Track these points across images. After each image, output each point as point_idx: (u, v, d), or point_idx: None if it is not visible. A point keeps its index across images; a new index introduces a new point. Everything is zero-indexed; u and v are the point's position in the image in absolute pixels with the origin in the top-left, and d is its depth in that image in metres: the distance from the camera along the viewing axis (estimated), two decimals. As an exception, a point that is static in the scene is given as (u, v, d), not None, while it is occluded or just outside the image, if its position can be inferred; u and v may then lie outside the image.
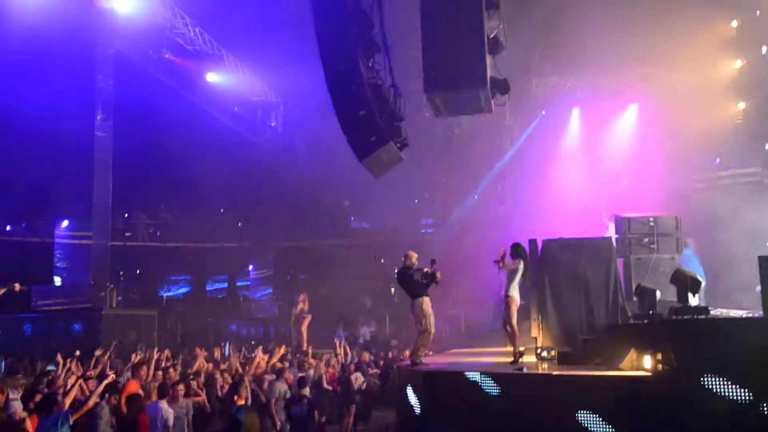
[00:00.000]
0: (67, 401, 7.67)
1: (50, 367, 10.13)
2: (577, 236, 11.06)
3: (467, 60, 9.46)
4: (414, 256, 10.60)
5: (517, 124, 23.86)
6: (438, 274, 10.29)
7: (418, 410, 9.21)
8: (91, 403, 7.69)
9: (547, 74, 22.44)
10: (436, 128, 23.34)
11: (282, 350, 14.00)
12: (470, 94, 9.83)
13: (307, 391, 11.97)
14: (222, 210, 31.63)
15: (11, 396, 8.70)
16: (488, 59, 9.68)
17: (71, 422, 7.52)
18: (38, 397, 8.05)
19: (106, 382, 8.22)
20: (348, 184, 24.50)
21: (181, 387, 10.03)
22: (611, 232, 12.17)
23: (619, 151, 21.79)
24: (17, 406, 8.17)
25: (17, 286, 9.04)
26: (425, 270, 10.39)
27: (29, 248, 24.48)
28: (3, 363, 13.31)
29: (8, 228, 25.27)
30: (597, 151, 22.23)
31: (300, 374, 12.88)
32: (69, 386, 8.20)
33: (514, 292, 9.60)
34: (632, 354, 8.06)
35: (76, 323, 21.25)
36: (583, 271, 9.46)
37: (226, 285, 34.84)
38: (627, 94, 22.06)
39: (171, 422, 9.33)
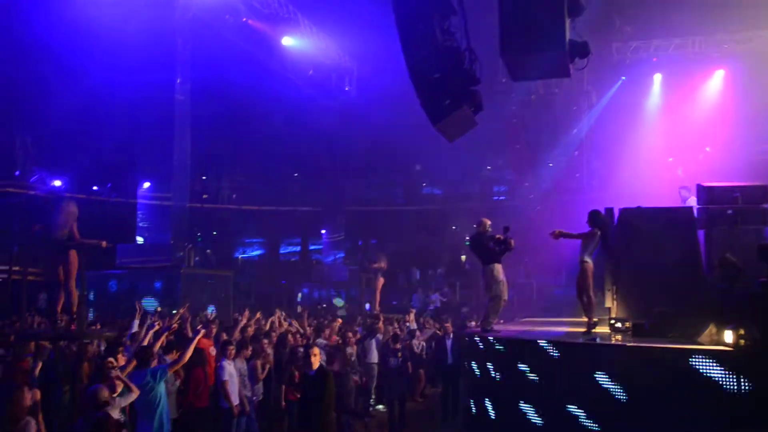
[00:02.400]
0: (155, 357, 7.94)
1: (135, 321, 10.54)
2: (656, 206, 10.70)
3: (545, 22, 9.18)
4: (487, 222, 10.51)
5: (596, 89, 23.15)
6: (511, 241, 10.19)
7: (486, 377, 9.18)
8: (186, 358, 7.93)
9: (628, 38, 21.64)
10: (512, 93, 22.90)
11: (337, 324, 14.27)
12: (548, 58, 9.55)
13: (399, 345, 12.71)
14: (296, 174, 32.03)
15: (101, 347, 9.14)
16: (567, 22, 9.38)
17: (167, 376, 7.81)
18: (120, 350, 8.38)
19: (198, 337, 8.45)
20: (420, 150, 24.38)
21: (249, 348, 10.33)
22: (692, 202, 11.76)
23: (702, 119, 20.95)
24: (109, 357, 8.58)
25: (104, 243, 9.38)
26: (498, 237, 10.30)
27: (114, 208, 25.39)
28: (91, 314, 13.92)
29: (95, 188, 26.24)
30: (678, 119, 21.41)
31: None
32: (152, 340, 8.51)
33: (589, 259, 9.39)
34: (711, 328, 7.80)
35: (156, 281, 21.99)
36: (661, 242, 9.16)
37: (299, 248, 35.43)
38: (713, 59, 21.10)
39: (235, 380, 9.62)
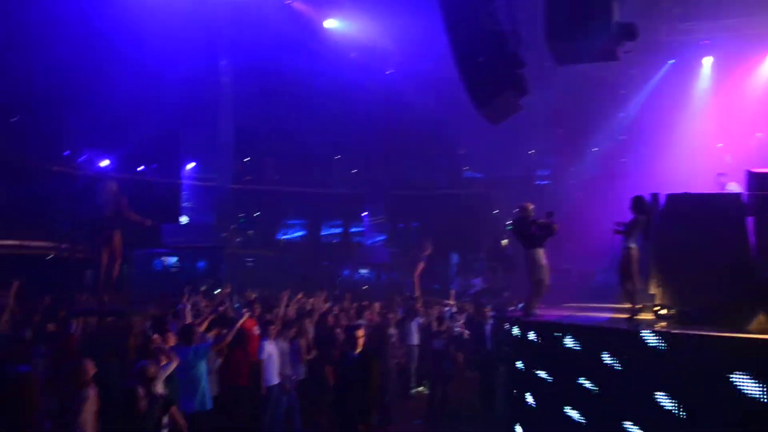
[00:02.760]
0: (198, 335, 8.10)
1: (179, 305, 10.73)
2: (703, 192, 10.47)
3: (592, 4, 9.03)
4: (530, 207, 10.42)
5: (643, 73, 22.64)
6: (554, 226, 10.09)
7: (526, 363, 9.14)
8: (228, 338, 8.09)
9: (678, 20, 21.07)
10: (557, 77, 22.56)
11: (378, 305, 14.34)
12: (594, 41, 9.39)
13: (444, 327, 12.98)
14: (337, 156, 32.10)
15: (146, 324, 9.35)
16: (614, 4, 9.20)
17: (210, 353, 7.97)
18: (168, 329, 8.56)
19: (242, 321, 8.63)
20: (463, 133, 24.24)
21: (293, 328, 10.45)
22: (732, 188, 11.49)
23: (755, 104, 20.35)
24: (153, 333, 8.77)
25: (148, 222, 9.56)
26: (541, 221, 10.21)
27: (158, 188, 25.81)
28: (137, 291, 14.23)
29: (140, 169, 26.69)
30: (729, 104, 20.83)
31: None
32: (196, 319, 8.67)
33: (634, 245, 9.25)
34: (761, 317, 7.63)
35: (200, 260, 22.38)
36: (709, 228, 8.95)
37: (340, 230, 35.57)
38: (768, 41, 20.43)
39: (275, 359, 9.74)
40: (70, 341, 8.34)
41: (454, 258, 27.00)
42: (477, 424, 11.37)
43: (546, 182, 29.09)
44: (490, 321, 12.85)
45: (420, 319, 14.02)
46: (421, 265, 18.63)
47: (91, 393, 5.78)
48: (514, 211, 10.85)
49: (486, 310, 13.12)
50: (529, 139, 27.08)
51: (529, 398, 8.97)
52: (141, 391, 5.77)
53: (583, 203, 20.45)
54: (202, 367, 7.82)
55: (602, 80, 22.62)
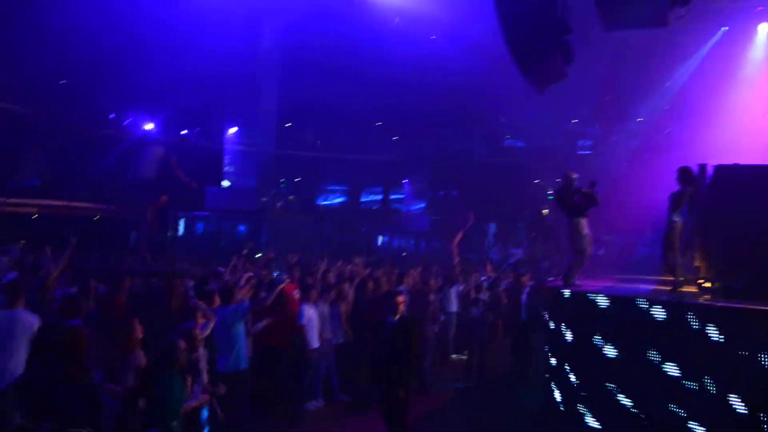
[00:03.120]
0: (239, 295, 8.20)
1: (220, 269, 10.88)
2: (753, 164, 10.17)
3: (645, -32, 8.75)
4: (573, 176, 10.24)
5: (693, 40, 21.98)
6: (598, 196, 9.92)
7: (566, 331, 9.07)
8: (268, 302, 8.19)
9: (733, -16, 20.39)
10: (604, 43, 22.04)
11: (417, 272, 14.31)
12: (646, 6, 9.11)
13: (482, 294, 13.01)
14: (378, 123, 31.99)
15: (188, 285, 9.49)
16: (668, -33, 8.89)
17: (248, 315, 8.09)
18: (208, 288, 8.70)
19: (282, 286, 8.72)
20: (505, 102, 23.93)
21: (332, 292, 10.54)
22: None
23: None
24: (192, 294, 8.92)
25: (194, 184, 9.67)
26: (585, 191, 10.04)
27: (201, 152, 26.06)
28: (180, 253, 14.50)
29: (184, 133, 26.94)
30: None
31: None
32: (240, 282, 8.78)
33: (678, 218, 9.05)
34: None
35: (241, 224, 22.61)
36: (758, 201, 8.72)
37: (380, 197, 35.62)
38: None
39: (315, 323, 9.83)
40: (117, 301, 8.52)
41: (493, 227, 26.88)
42: (514, 390, 11.38)
43: (588, 152, 28.66)
44: (526, 290, 12.65)
45: (459, 287, 14.01)
46: (460, 234, 18.55)
47: (141, 355, 5.90)
48: (557, 180, 10.73)
49: (523, 278, 12.85)
50: (572, 109, 26.64)
51: (568, 367, 8.92)
52: (182, 344, 5.87)
53: (627, 175, 20.10)
54: (240, 327, 7.94)
55: (650, 48, 22.03)
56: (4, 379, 6.06)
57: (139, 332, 6.04)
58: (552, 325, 9.82)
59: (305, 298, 9.93)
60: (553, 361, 9.58)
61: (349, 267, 13.91)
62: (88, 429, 5.27)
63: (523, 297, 12.29)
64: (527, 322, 12.12)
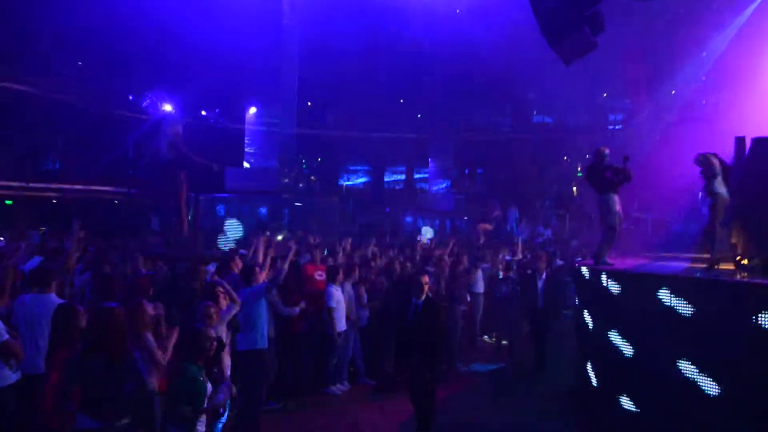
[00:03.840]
0: (261, 277, 8.25)
1: (242, 251, 10.91)
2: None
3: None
4: (605, 151, 10.12)
5: (730, 8, 21.49)
6: (630, 172, 9.79)
7: (593, 316, 8.97)
8: (283, 272, 8.21)
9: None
10: (635, 14, 21.66)
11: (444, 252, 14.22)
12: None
13: (511, 273, 12.92)
14: (401, 100, 31.88)
15: (209, 268, 9.53)
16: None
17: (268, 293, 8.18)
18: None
19: (291, 254, 8.75)
20: (532, 76, 23.68)
21: (356, 271, 10.55)
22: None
23: None
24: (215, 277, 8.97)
25: (214, 166, 9.66)
26: (616, 166, 9.92)
27: (222, 133, 26.17)
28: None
29: (203, 113, 27.06)
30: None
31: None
32: (261, 262, 8.83)
33: (721, 189, 8.89)
34: None
35: (262, 206, 22.68)
36: (799, 175, 8.53)
37: (403, 176, 35.58)
38: None
39: (343, 306, 9.84)
40: (141, 283, 8.57)
41: (515, 214, 26.73)
42: (544, 372, 11.32)
43: (619, 127, 28.33)
44: (543, 274, 11.98)
45: (486, 266, 13.95)
46: (486, 225, 18.48)
47: (149, 336, 5.90)
48: (587, 156, 10.61)
49: (540, 262, 12.04)
50: (603, 82, 26.29)
51: (601, 348, 8.83)
52: (210, 332, 5.90)
53: (660, 149, 19.80)
54: (261, 307, 8.00)
55: (684, 16, 21.59)
56: (40, 365, 6.13)
57: (149, 313, 6.04)
58: (582, 306, 9.74)
59: (331, 279, 9.93)
60: (586, 340, 9.49)
61: (370, 248, 13.87)
62: (128, 418, 5.31)
63: (540, 282, 11.64)
64: (544, 311, 11.58)
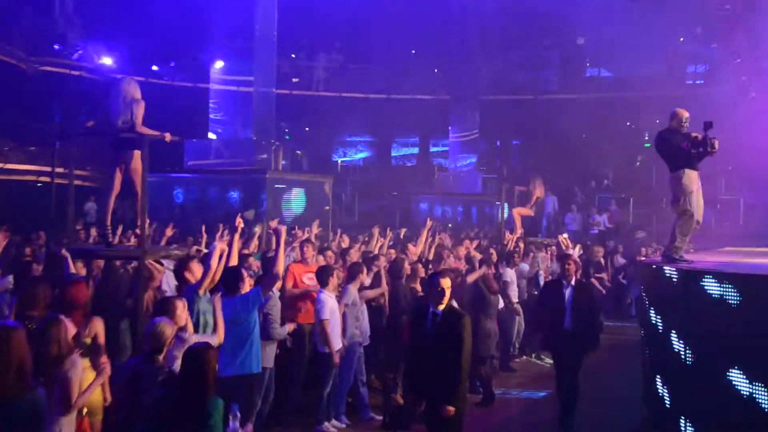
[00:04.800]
0: (245, 285, 8.14)
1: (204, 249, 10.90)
2: None
3: None
4: (684, 115, 10.07)
5: None
6: (714, 142, 9.74)
7: (665, 325, 8.89)
8: (279, 271, 8.09)
9: None
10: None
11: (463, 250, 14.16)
12: None
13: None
14: (413, 51, 31.78)
15: (167, 267, 9.50)
16: None
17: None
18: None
19: (281, 244, 8.55)
20: (583, 17, 23.54)
21: (363, 272, 10.52)
22: None
23: None
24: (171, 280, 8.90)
25: (167, 136, 9.60)
26: (696, 135, 9.88)
27: (179, 94, 26.11)
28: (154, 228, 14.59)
29: (155, 69, 26.98)
30: None
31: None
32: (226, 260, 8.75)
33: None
34: None
35: (233, 188, 22.66)
36: None
37: (416, 150, 35.54)
38: None
39: (331, 315, 9.77)
40: (69, 293, 8.51)
41: (554, 203, 26.65)
42: (605, 401, 11.25)
43: (701, 82, 28.19)
44: (570, 284, 11.00)
45: (524, 267, 13.94)
46: (525, 209, 18.43)
47: (78, 364, 5.85)
48: (657, 121, 10.56)
49: (569, 265, 10.75)
50: (679, 23, 26.14)
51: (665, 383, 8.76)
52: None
53: (756, 111, 19.72)
54: (252, 319, 7.94)
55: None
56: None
57: (70, 333, 5.99)
58: (653, 319, 9.65)
59: (323, 283, 9.89)
60: (670, 372, 9.23)
61: (377, 242, 13.85)
62: None
63: (567, 293, 10.16)
64: (573, 334, 9.97)
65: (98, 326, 6.75)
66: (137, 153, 9.34)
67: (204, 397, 5.34)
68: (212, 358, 5.53)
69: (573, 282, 10.22)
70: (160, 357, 6.03)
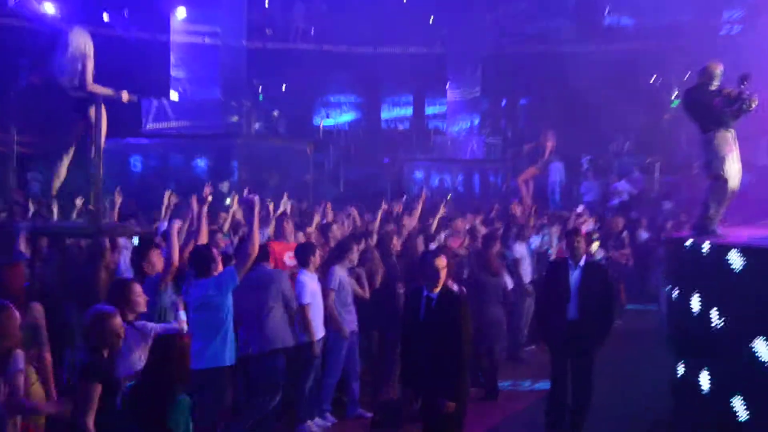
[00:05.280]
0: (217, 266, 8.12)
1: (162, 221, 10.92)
2: None
3: None
4: (717, 69, 10.08)
5: None
6: (752, 99, 9.76)
7: (700, 307, 8.87)
8: (254, 248, 8.04)
9: None
10: None
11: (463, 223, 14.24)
12: None
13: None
14: (406, -1, 31.69)
15: (125, 245, 9.51)
16: None
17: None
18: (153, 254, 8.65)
19: (256, 215, 8.52)
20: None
21: (354, 250, 10.53)
22: None
23: None
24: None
25: (125, 95, 9.58)
26: (729, 91, 9.89)
27: (135, 48, 25.93)
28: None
29: (105, 18, 26.76)
30: None
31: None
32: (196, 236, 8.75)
33: None
34: None
35: (199, 156, 22.62)
36: None
37: (410, 111, 35.45)
38: None
39: (312, 299, 9.77)
40: (10, 277, 8.49)
41: (587, 151, 26.68)
42: (628, 394, 11.26)
43: (736, 30, 28.17)
44: (581, 261, 10.86)
45: (534, 241, 13.99)
46: (533, 170, 18.45)
47: (19, 358, 5.85)
48: (686, 78, 10.56)
49: (578, 243, 10.36)
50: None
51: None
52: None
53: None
54: (227, 303, 7.93)
55: None
56: None
57: (16, 324, 5.98)
58: (683, 301, 9.63)
59: (303, 262, 9.89)
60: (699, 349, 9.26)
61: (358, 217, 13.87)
62: None
63: (574, 276, 9.65)
64: (579, 325, 9.49)
65: (38, 313, 6.75)
66: (91, 113, 9.31)
67: (169, 395, 5.34)
68: (185, 347, 5.53)
69: (582, 262, 9.71)
70: (106, 353, 5.98)
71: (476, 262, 11.99)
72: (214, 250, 8.30)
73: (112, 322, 6.06)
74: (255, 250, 8.04)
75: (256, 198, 8.46)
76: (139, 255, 8.53)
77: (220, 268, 8.08)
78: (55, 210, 10.51)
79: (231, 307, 8.00)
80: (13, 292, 7.15)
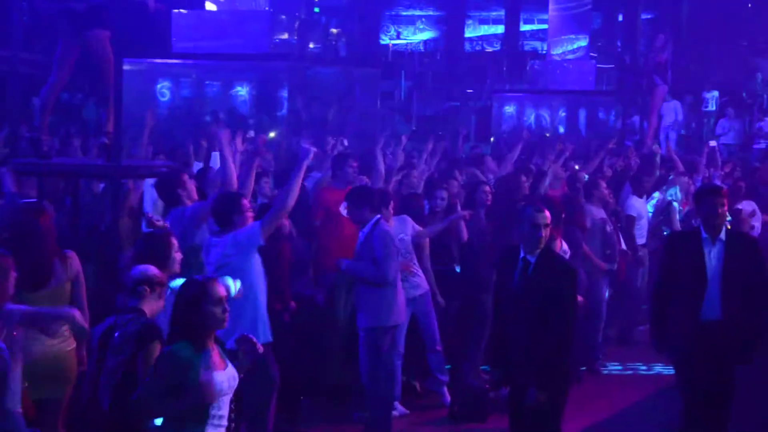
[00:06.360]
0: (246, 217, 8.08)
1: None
2: None
3: None
4: None
5: None
6: None
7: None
8: (291, 199, 7.95)
9: None
10: None
11: None
12: None
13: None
14: None
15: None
16: None
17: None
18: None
19: (306, 162, 8.46)
20: None
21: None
22: None
23: None
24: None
25: (151, 2, 9.62)
26: None
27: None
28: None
29: None
30: None
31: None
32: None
33: None
34: None
35: (240, 82, 22.70)
36: None
37: (501, 29, 35.30)
38: None
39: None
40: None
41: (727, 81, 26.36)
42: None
43: None
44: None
45: (654, 196, 13.87)
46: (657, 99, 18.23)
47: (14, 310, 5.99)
48: None
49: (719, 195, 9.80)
50: None
51: None
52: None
53: None
54: (251, 263, 7.82)
55: None
56: None
57: (11, 273, 6.08)
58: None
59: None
60: None
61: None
62: None
63: (714, 254, 8.07)
64: (722, 325, 8.00)
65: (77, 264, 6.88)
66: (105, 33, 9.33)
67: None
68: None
69: (723, 235, 8.19)
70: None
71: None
72: (244, 200, 8.16)
73: (158, 280, 6.18)
74: (291, 203, 7.98)
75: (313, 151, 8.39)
76: (173, 182, 8.53)
77: (249, 222, 8.04)
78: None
79: (260, 271, 7.89)
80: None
